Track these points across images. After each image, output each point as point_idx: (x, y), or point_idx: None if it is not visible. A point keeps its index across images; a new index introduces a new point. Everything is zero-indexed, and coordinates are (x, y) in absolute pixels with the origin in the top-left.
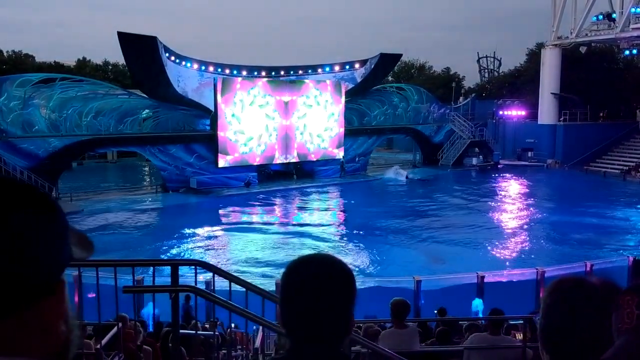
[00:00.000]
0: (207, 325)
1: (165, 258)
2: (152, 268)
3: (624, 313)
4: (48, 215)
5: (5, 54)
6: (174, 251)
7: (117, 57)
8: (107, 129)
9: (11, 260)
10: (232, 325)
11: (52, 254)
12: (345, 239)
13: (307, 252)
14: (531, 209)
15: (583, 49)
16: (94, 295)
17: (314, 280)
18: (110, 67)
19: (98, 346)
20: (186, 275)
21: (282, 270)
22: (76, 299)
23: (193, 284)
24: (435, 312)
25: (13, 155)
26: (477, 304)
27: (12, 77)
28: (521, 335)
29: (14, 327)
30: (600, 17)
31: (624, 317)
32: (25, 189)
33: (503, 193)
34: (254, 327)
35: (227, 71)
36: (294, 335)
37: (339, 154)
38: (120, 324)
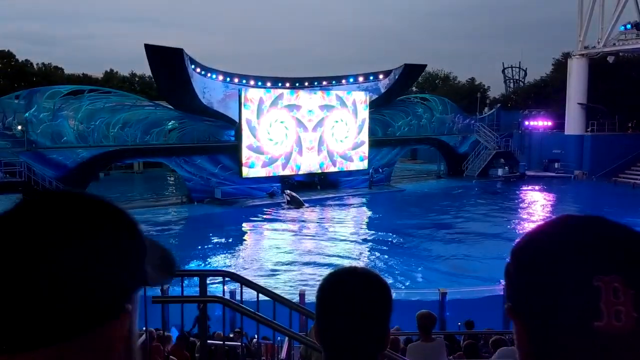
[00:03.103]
0: (231, 335)
1: (193, 268)
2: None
3: None
4: (125, 235)
5: (35, 66)
6: (200, 261)
7: (143, 69)
8: (134, 140)
9: (83, 281)
10: (257, 336)
11: (126, 276)
12: (371, 250)
13: (333, 263)
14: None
15: (611, 59)
16: None
17: (351, 295)
18: (136, 79)
19: None
20: (210, 285)
21: (306, 280)
22: None
23: (220, 294)
24: (461, 324)
25: (42, 166)
26: None
27: (42, 89)
28: None
29: (77, 349)
30: (628, 26)
31: None
32: (101, 204)
33: (529, 204)
34: (278, 337)
35: (252, 82)
36: (330, 349)
37: (363, 164)
38: (147, 335)
